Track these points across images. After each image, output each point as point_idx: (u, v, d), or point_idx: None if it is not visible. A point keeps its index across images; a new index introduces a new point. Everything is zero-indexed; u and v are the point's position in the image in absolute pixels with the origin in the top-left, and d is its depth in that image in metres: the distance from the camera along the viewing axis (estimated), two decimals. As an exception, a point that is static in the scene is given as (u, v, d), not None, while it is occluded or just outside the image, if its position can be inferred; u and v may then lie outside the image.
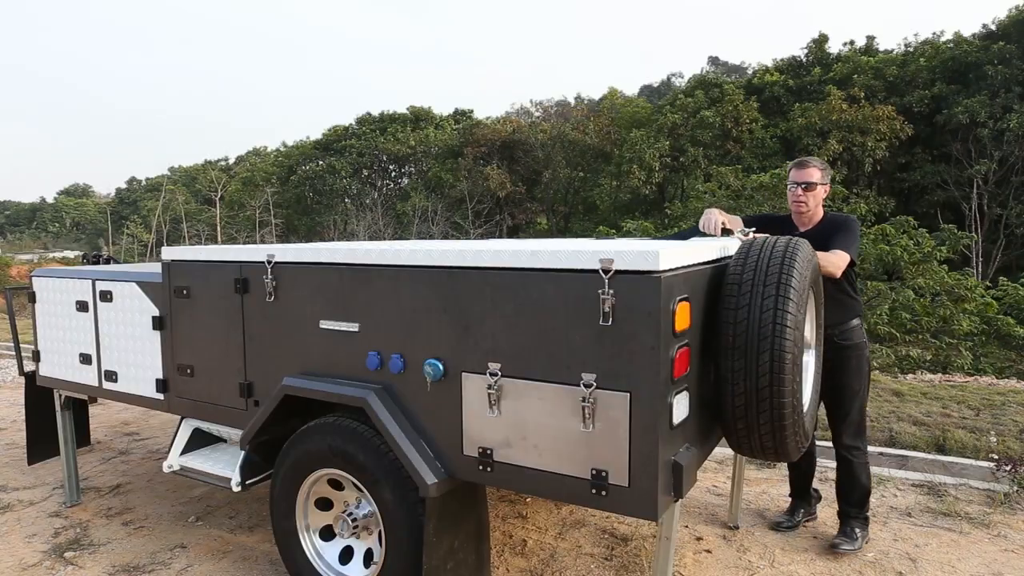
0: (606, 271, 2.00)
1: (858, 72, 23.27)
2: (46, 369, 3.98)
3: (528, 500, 4.07)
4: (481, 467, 2.33)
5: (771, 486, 4.33)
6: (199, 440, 3.44)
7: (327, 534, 2.92)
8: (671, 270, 2.02)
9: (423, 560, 2.41)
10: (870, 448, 4.74)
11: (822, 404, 3.37)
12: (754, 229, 3.30)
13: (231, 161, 59.76)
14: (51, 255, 45.03)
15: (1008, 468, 4.19)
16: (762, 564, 3.30)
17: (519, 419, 2.22)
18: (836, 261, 3.11)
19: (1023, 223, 20.36)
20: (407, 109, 37.15)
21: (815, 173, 3.34)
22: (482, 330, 2.27)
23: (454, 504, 2.51)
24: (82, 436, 4.82)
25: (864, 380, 3.36)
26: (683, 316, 2.08)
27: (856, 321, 3.31)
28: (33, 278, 4.00)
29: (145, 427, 5.97)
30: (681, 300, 2.06)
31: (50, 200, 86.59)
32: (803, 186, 3.32)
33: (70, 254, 43.06)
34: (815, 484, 3.81)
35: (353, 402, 2.55)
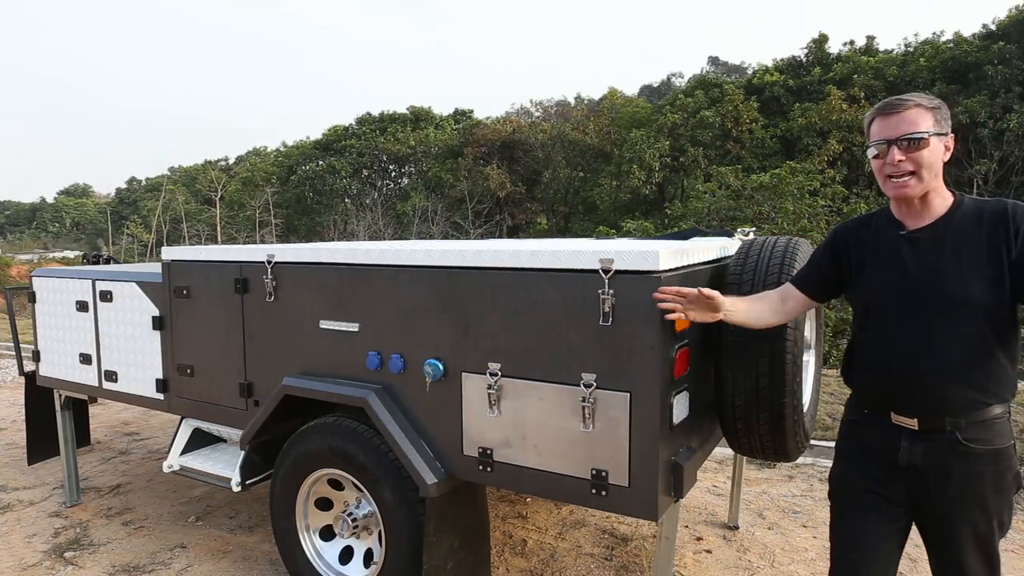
0: (606, 271, 2.00)
1: (858, 72, 23.25)
2: (46, 369, 3.98)
3: (528, 500, 4.07)
4: (481, 467, 2.33)
5: (771, 486, 4.33)
6: (199, 440, 3.44)
7: (327, 534, 2.92)
8: (671, 270, 2.03)
9: (423, 560, 2.41)
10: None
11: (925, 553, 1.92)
12: (754, 229, 3.25)
13: (231, 161, 59.74)
14: (51, 255, 45.02)
15: (1008, 468, 4.18)
16: (762, 564, 3.30)
17: (519, 419, 2.22)
18: None
19: (1023, 223, 20.35)
20: (407, 109, 37.13)
21: (920, 117, 1.74)
22: (482, 330, 2.27)
23: (454, 504, 2.51)
24: (82, 436, 4.81)
25: (1009, 512, 1.82)
26: (683, 316, 2.08)
27: (1000, 410, 1.77)
28: (33, 278, 4.00)
29: (145, 427, 5.97)
30: (681, 300, 2.06)
31: (50, 200, 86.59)
32: (901, 144, 1.75)
33: (70, 254, 43.03)
34: None
35: (353, 402, 2.55)
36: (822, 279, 2.03)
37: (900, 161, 1.75)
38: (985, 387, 1.74)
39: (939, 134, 1.76)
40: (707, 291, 1.93)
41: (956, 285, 1.74)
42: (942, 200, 1.82)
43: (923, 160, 1.74)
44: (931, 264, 1.78)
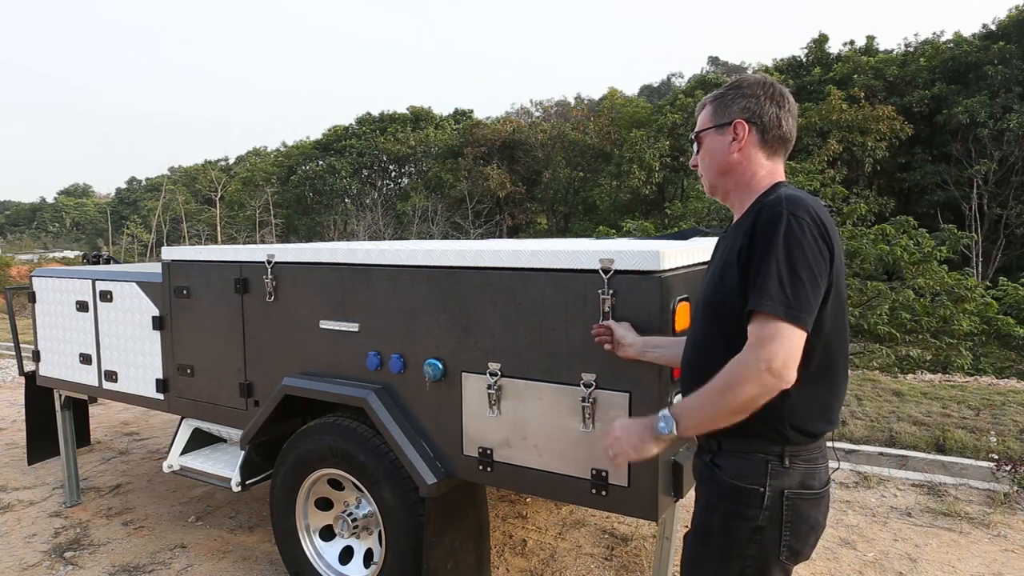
0: (606, 271, 2.00)
1: (858, 72, 23.24)
2: (46, 369, 3.98)
3: (528, 500, 4.07)
4: (481, 467, 2.33)
5: (771, 486, 4.33)
6: (199, 440, 3.44)
7: (327, 534, 2.92)
8: (671, 270, 2.02)
9: (423, 560, 2.41)
10: (870, 449, 4.76)
11: None
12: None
13: (231, 161, 59.75)
14: (51, 255, 45.03)
15: (1008, 468, 4.19)
16: (762, 564, 3.29)
17: (519, 419, 2.22)
18: (738, 374, 1.40)
19: (1023, 223, 20.36)
20: (407, 109, 37.14)
21: (702, 116, 1.71)
22: (482, 330, 2.27)
23: (454, 504, 2.51)
24: (82, 436, 4.81)
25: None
26: (683, 316, 2.08)
27: (754, 445, 1.52)
28: (33, 278, 4.00)
29: (145, 427, 5.97)
30: (681, 300, 2.06)
31: (50, 200, 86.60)
32: (693, 146, 1.76)
33: (70, 254, 43.06)
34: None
35: (353, 402, 2.55)
36: None
37: (694, 163, 1.76)
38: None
39: (718, 126, 1.63)
40: (619, 333, 1.94)
41: (707, 289, 1.61)
42: (747, 196, 1.62)
43: (700, 161, 1.72)
44: (712, 265, 1.67)
